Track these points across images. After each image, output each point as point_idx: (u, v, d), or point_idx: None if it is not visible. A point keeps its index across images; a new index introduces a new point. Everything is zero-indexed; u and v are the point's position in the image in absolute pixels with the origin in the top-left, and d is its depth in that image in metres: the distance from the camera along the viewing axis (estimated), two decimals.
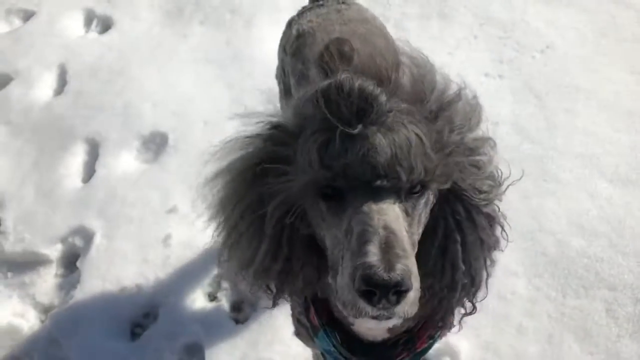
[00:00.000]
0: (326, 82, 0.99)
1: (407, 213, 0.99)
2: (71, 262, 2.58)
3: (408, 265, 0.90)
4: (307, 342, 1.55)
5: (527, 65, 2.98)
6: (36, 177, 2.84)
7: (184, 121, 2.96)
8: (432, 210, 1.08)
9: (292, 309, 1.56)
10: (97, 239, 2.58)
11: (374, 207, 0.94)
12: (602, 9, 3.17)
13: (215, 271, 2.44)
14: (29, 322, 2.41)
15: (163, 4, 3.61)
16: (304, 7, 2.04)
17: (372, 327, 1.09)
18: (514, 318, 2.19)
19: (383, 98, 0.97)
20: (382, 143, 0.94)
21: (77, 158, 2.93)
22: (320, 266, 1.13)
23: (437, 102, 1.03)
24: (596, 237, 2.36)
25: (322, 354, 1.43)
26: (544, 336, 2.16)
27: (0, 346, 2.31)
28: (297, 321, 1.53)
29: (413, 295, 0.92)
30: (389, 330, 1.28)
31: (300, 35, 1.86)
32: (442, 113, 1.03)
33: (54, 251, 2.59)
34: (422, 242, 1.09)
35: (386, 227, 0.92)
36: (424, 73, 1.05)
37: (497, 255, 1.18)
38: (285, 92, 1.93)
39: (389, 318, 0.94)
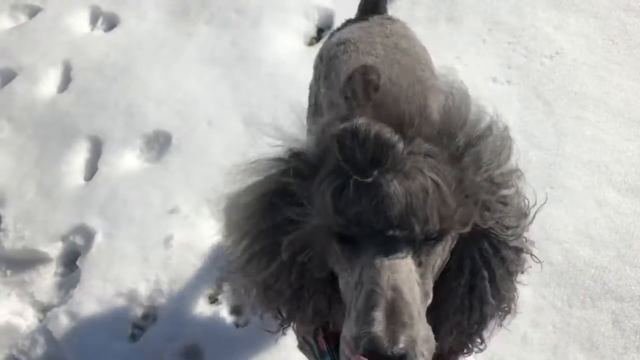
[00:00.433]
0: (342, 127, 0.94)
1: (419, 263, 0.96)
2: (71, 261, 2.56)
3: (413, 336, 0.87)
4: (310, 357, 1.50)
5: (535, 71, 2.95)
6: (38, 174, 2.82)
7: (187, 121, 2.93)
8: (455, 248, 1.04)
9: (298, 327, 1.52)
10: (98, 238, 2.55)
11: (386, 262, 0.91)
12: (613, 15, 3.13)
13: (217, 273, 2.41)
14: (27, 320, 2.39)
15: (169, 3, 3.58)
16: (347, 20, 1.98)
17: None
18: (519, 328, 2.15)
19: (400, 146, 0.92)
20: (396, 192, 0.90)
21: (79, 156, 2.90)
22: (333, 297, 1.09)
23: (465, 138, 0.98)
24: (604, 247, 2.32)
25: None
26: (549, 347, 2.12)
27: None
28: (302, 338, 1.47)
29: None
30: None
31: (340, 43, 1.79)
32: (470, 149, 0.98)
33: (54, 249, 2.57)
34: (447, 281, 1.06)
35: (395, 289, 0.89)
36: (457, 105, 1.00)
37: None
38: (315, 110, 1.83)
39: None
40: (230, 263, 1.19)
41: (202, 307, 2.35)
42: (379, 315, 0.87)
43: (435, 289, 1.03)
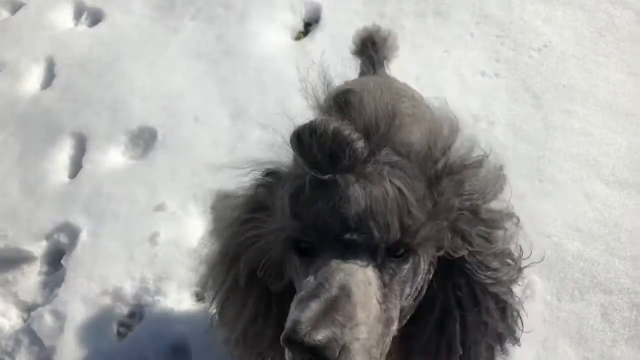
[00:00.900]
0: (302, 124, 0.92)
1: (384, 283, 0.89)
2: (56, 260, 2.52)
3: (337, 335, 0.78)
4: None
5: (523, 64, 2.94)
6: (21, 172, 2.77)
7: (173, 117, 2.89)
8: (432, 281, 0.98)
9: None
10: (83, 236, 2.52)
11: (341, 265, 0.85)
12: (600, 8, 3.12)
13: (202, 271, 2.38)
14: (10, 320, 2.35)
15: None
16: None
17: None
18: None
19: (360, 144, 0.88)
20: (355, 193, 0.86)
21: (63, 153, 2.86)
22: None
23: (447, 163, 0.95)
24: (593, 240, 2.32)
25: None
26: (538, 340, 2.11)
27: None
28: None
29: None
30: None
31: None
32: (451, 175, 0.95)
33: (38, 248, 2.53)
34: (419, 315, 0.99)
35: (343, 288, 0.82)
36: (442, 132, 0.97)
37: (510, 347, 1.06)
38: None
39: None
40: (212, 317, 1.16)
41: (188, 305, 2.32)
42: (313, 304, 0.80)
43: (407, 323, 0.97)
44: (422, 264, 0.93)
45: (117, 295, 2.34)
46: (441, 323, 1.00)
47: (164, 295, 2.31)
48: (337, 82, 1.05)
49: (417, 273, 0.93)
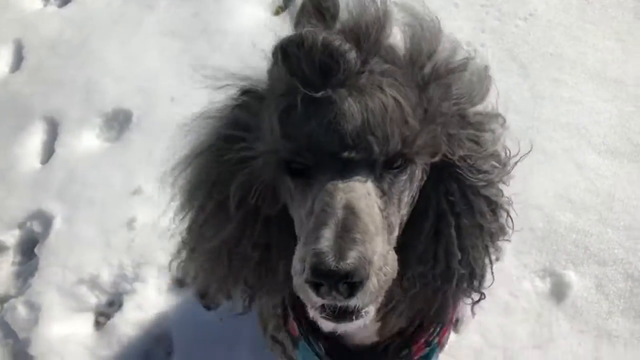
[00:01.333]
0: (286, 37, 0.85)
1: (382, 191, 0.87)
2: (29, 249, 2.41)
3: (364, 252, 0.77)
4: (281, 358, 1.39)
5: (510, 34, 2.85)
6: None
7: (148, 98, 2.78)
8: (424, 188, 0.96)
9: (265, 324, 1.41)
10: (57, 224, 2.41)
11: (340, 184, 0.82)
12: None
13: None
14: None
15: None
16: None
17: (331, 330, 0.92)
18: (501, 297, 2.08)
19: (352, 55, 0.82)
20: (351, 108, 0.81)
21: (34, 137, 2.74)
22: None
23: (433, 68, 0.90)
24: (585, 210, 2.25)
25: None
26: (532, 315, 2.05)
27: None
28: (271, 338, 1.37)
29: (374, 285, 0.79)
30: (379, 332, 1.15)
31: None
32: (438, 80, 0.91)
33: (10, 237, 2.42)
34: (413, 224, 0.97)
35: (347, 207, 0.79)
36: (425, 36, 0.92)
37: (503, 244, 1.06)
38: None
39: (348, 320, 0.81)
40: (184, 243, 1.10)
41: (170, 291, 2.23)
42: (326, 232, 0.77)
43: (401, 232, 0.96)
44: (417, 172, 0.92)
45: (94, 283, 2.25)
46: (436, 230, 0.98)
47: (143, 281, 2.22)
48: None
49: (413, 181, 0.92)
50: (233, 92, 0.96)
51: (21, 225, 2.45)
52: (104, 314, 2.21)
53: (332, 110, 0.81)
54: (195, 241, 1.06)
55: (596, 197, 2.29)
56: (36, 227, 2.44)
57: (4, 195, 2.53)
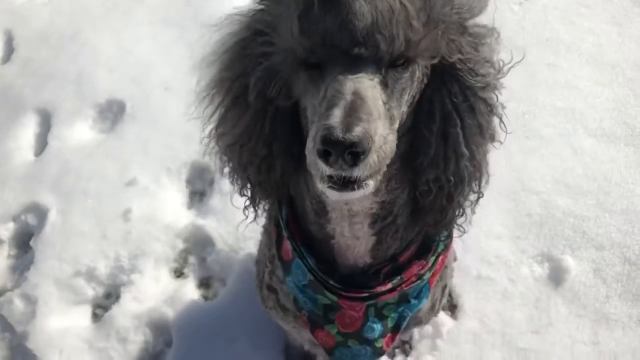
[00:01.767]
0: None
1: (386, 85, 0.96)
2: (24, 242, 2.39)
3: (367, 129, 0.88)
4: (276, 312, 1.43)
5: (505, 18, 2.83)
6: None
7: (142, 87, 2.75)
8: (425, 91, 1.05)
9: (261, 273, 1.46)
10: (52, 216, 2.39)
11: (349, 76, 0.92)
12: None
13: (180, 246, 2.28)
14: None
15: None
16: None
17: (336, 199, 1.06)
18: (499, 283, 2.08)
19: None
20: (362, 9, 0.90)
21: (27, 130, 2.71)
22: (301, 156, 1.05)
23: None
24: (582, 195, 2.25)
25: (294, 301, 1.32)
26: (530, 300, 2.05)
27: None
28: (266, 288, 1.43)
29: (373, 160, 0.90)
30: (372, 252, 1.21)
31: None
32: None
33: (5, 231, 2.40)
34: (420, 129, 1.07)
35: (355, 93, 0.90)
36: None
37: (494, 145, 1.14)
38: None
39: (351, 189, 0.92)
40: (208, 133, 1.18)
41: (167, 282, 2.22)
42: (337, 111, 0.87)
43: (409, 140, 1.06)
44: (417, 72, 0.99)
45: (91, 275, 2.23)
46: (444, 132, 1.07)
47: (140, 273, 2.21)
48: None
49: (414, 80, 1.00)
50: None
51: (16, 218, 2.43)
52: (102, 306, 2.20)
53: (345, 10, 0.90)
54: (218, 135, 1.15)
55: (593, 181, 2.29)
56: (31, 219, 2.42)
57: None
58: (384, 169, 0.95)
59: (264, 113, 1.07)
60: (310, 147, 0.90)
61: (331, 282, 1.23)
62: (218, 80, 1.11)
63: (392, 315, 1.29)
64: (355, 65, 0.92)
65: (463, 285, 2.08)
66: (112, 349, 2.07)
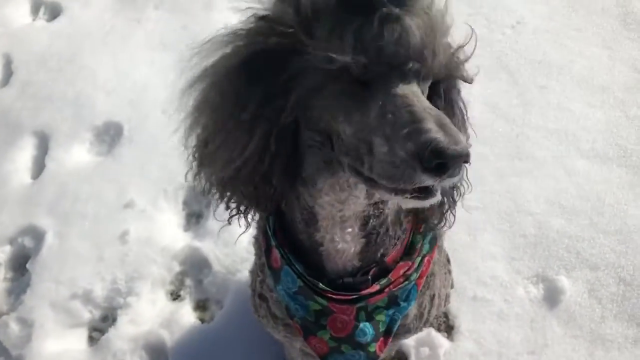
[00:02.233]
0: None
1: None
2: (21, 265, 2.39)
3: (466, 142, 0.90)
4: (267, 321, 1.44)
5: (497, 41, 2.88)
6: None
7: (139, 110, 2.77)
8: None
9: (253, 282, 1.48)
10: (49, 239, 2.39)
11: (406, 89, 0.94)
12: None
13: (177, 269, 2.28)
14: None
15: None
16: None
17: (411, 207, 1.06)
18: (495, 304, 2.09)
19: None
20: (413, 25, 0.93)
21: (25, 152, 2.72)
22: (297, 171, 1.08)
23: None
24: (576, 216, 2.27)
25: (286, 309, 1.33)
26: (526, 321, 2.06)
27: None
28: (258, 297, 1.44)
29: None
30: (360, 255, 1.22)
31: None
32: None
33: (2, 253, 2.40)
34: None
35: (430, 108, 0.91)
36: None
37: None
38: None
39: (432, 196, 0.93)
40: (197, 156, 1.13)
41: (163, 304, 2.22)
42: (432, 125, 0.87)
43: None
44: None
45: (88, 298, 2.23)
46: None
47: (136, 295, 2.21)
48: None
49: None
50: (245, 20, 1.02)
51: (12, 241, 2.43)
52: (98, 329, 2.19)
53: (398, 27, 0.92)
54: (211, 160, 1.11)
55: (586, 202, 2.31)
56: (28, 242, 2.43)
57: None
58: None
59: (269, 134, 1.03)
60: (398, 162, 0.89)
61: (320, 285, 1.23)
62: (216, 104, 1.05)
63: (383, 318, 1.30)
64: (404, 79, 0.95)
65: (459, 307, 2.08)
66: None
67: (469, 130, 1.20)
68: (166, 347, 2.09)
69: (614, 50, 2.80)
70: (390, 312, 1.30)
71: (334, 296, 1.24)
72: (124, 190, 2.49)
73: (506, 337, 2.03)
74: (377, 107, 0.93)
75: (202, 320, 2.17)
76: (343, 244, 1.20)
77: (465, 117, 1.19)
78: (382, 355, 1.36)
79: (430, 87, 1.04)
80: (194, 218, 2.44)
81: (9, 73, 3.07)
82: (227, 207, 1.20)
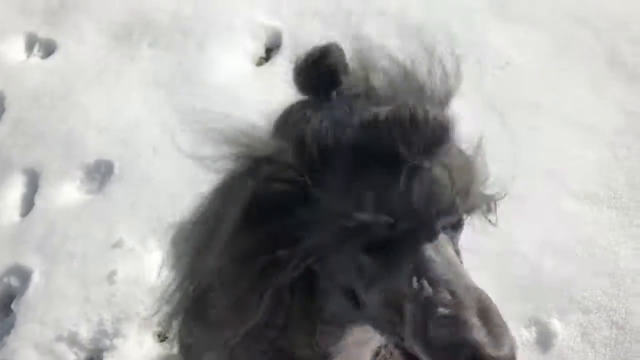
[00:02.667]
0: (391, 110, 0.83)
1: (455, 250, 0.91)
2: (5, 305, 2.35)
3: (513, 339, 0.79)
4: None
5: (487, 82, 2.91)
6: None
7: (131, 148, 2.77)
8: None
9: None
10: (35, 278, 2.36)
11: (439, 247, 0.84)
12: (561, 26, 3.13)
13: (165, 309, 2.24)
14: None
15: (110, 27, 3.44)
16: None
17: None
18: None
19: (450, 125, 0.88)
20: (444, 178, 0.85)
21: (14, 190, 2.71)
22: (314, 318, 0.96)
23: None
24: (567, 258, 2.26)
25: None
26: None
27: None
28: None
29: None
30: None
31: None
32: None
33: None
34: None
35: (468, 286, 0.81)
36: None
37: None
38: None
39: None
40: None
41: (150, 346, 2.18)
42: (472, 317, 0.77)
43: None
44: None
45: (73, 340, 2.19)
46: None
47: (123, 337, 2.17)
48: None
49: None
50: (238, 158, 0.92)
51: None
52: None
53: (428, 180, 0.84)
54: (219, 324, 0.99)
55: (578, 243, 2.31)
56: (14, 282, 2.39)
57: None
58: None
59: (280, 289, 0.90)
60: (431, 343, 0.78)
61: None
62: (219, 259, 0.92)
63: None
64: (435, 235, 0.85)
65: None
66: None
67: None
68: None
69: (602, 92, 2.84)
70: None
71: None
72: (113, 229, 2.47)
73: None
74: (408, 271, 0.82)
75: None
76: None
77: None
78: None
79: None
80: None
81: (1, 110, 3.08)
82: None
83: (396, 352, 1.06)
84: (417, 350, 0.82)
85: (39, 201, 2.62)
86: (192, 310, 1.06)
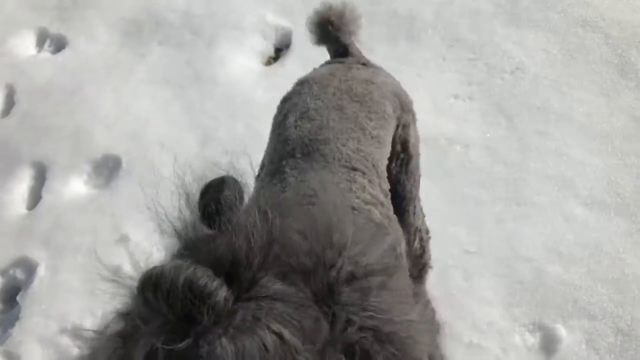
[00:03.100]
0: (143, 276, 0.70)
1: None
2: (11, 297, 2.37)
3: None
4: None
5: (497, 86, 2.90)
6: None
7: (138, 144, 2.78)
8: None
9: None
10: (41, 271, 2.37)
11: None
12: (571, 31, 3.12)
13: None
14: None
15: (121, 24, 3.46)
16: (326, 61, 1.82)
17: None
18: (491, 351, 2.05)
19: (222, 295, 0.66)
20: (224, 354, 0.64)
21: (21, 183, 2.72)
22: None
23: (343, 267, 0.72)
24: (573, 263, 2.25)
25: None
26: None
27: None
28: None
29: None
30: None
31: (300, 83, 1.64)
32: (353, 283, 0.72)
33: None
34: None
35: None
36: (333, 222, 0.75)
37: None
38: (261, 168, 1.53)
39: None
40: None
41: None
42: None
43: None
44: None
45: (77, 333, 2.19)
46: None
47: None
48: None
49: None
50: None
51: (4, 273, 2.41)
52: None
53: (201, 358, 0.64)
54: None
55: (584, 250, 2.30)
56: (19, 274, 2.41)
57: None
58: None
59: None
60: None
61: None
62: None
63: None
64: None
65: (454, 354, 2.05)
66: None
67: None
68: None
69: (612, 98, 2.82)
70: None
71: None
72: (120, 224, 2.48)
73: None
74: None
75: None
76: None
77: None
78: None
79: None
80: None
81: (10, 103, 3.09)
82: None
83: None
84: None
85: (46, 195, 2.64)
86: None
